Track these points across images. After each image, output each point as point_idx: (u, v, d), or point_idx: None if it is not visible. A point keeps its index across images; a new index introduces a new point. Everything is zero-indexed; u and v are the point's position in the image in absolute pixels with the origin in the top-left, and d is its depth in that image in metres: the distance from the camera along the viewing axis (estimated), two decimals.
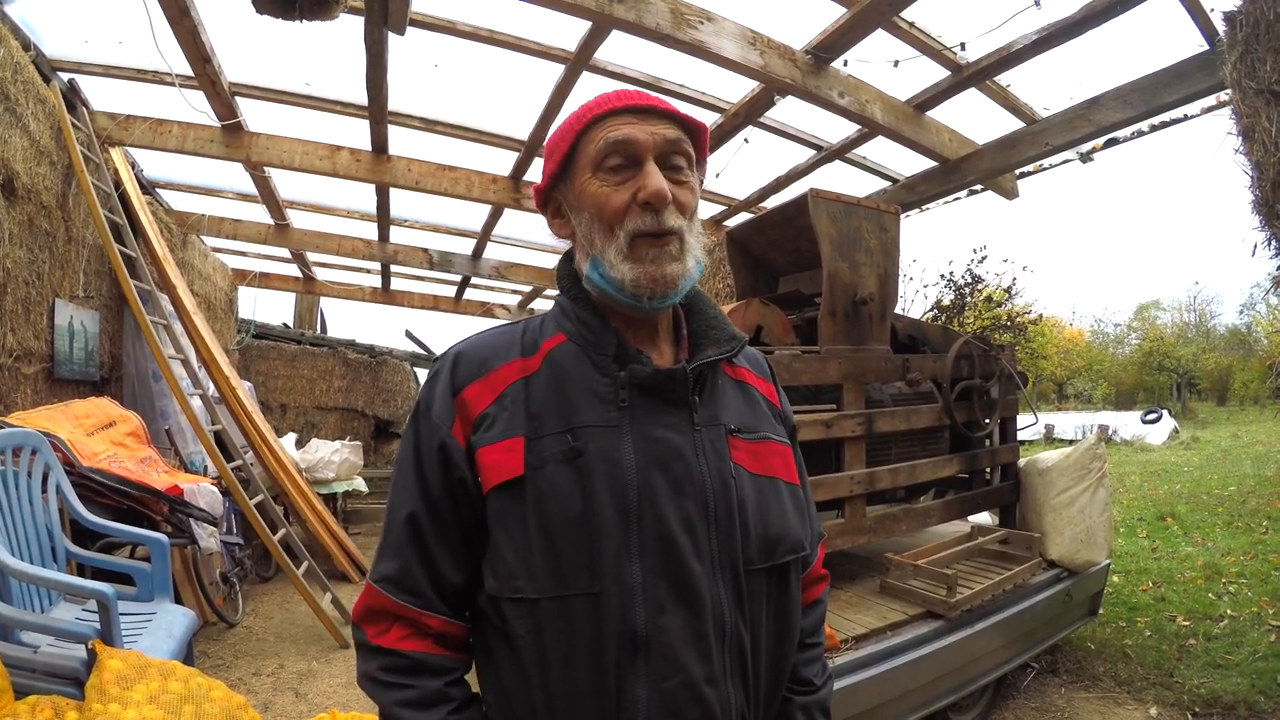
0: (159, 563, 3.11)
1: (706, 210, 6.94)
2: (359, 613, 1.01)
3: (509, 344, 1.05)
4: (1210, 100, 3.96)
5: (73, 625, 2.49)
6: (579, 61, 4.12)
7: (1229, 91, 2.93)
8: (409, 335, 12.39)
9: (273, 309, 13.94)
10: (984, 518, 4.33)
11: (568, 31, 3.99)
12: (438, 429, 0.99)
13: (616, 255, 0.97)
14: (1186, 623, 4.40)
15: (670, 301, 1.01)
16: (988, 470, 3.88)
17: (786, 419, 1.18)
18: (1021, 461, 3.94)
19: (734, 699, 0.95)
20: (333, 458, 7.13)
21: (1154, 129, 4.43)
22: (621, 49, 4.10)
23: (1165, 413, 20.87)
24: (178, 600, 3.79)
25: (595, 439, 0.94)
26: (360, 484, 7.57)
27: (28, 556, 2.76)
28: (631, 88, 1.05)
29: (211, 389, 5.38)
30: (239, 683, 3.75)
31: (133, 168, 5.64)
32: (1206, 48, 3.69)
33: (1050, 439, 19.18)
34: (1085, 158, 4.95)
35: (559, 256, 1.15)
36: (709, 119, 4.94)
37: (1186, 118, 4.20)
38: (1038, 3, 3.56)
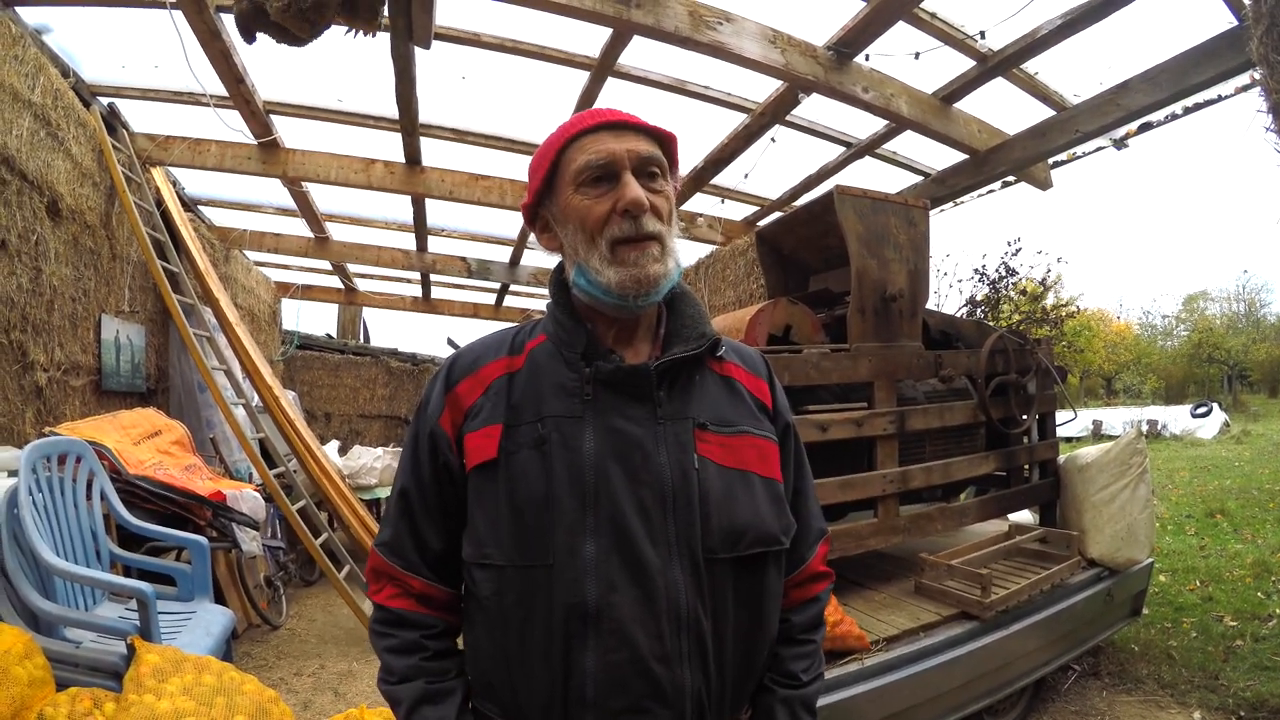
0: (199, 564, 3.21)
1: (739, 211, 6.92)
2: (367, 572, 1.19)
3: (500, 344, 1.17)
4: (1244, 79, 3.80)
5: (113, 622, 2.58)
6: (603, 67, 4.15)
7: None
8: (451, 343, 12.53)
9: (316, 320, 14.24)
10: (1025, 516, 4.24)
11: (590, 39, 4.03)
12: (430, 420, 1.13)
13: (600, 261, 1.05)
14: (1234, 623, 4.26)
15: (653, 300, 1.08)
16: (1026, 467, 3.80)
17: (778, 416, 1.21)
18: (1061, 458, 3.85)
19: (690, 680, 0.99)
20: (375, 464, 7.23)
21: (1187, 111, 4.28)
22: (644, 53, 4.11)
23: (1215, 406, 20.23)
24: (223, 602, 3.90)
25: (559, 428, 1.04)
26: None
27: (72, 557, 2.85)
28: (606, 106, 1.14)
29: (255, 398, 5.52)
30: (280, 682, 3.83)
31: (174, 186, 5.82)
32: (1235, 24, 3.54)
33: (1098, 435, 18.71)
34: (1119, 144, 4.81)
35: None
36: (735, 120, 4.94)
37: (1220, 98, 4.05)
38: None
